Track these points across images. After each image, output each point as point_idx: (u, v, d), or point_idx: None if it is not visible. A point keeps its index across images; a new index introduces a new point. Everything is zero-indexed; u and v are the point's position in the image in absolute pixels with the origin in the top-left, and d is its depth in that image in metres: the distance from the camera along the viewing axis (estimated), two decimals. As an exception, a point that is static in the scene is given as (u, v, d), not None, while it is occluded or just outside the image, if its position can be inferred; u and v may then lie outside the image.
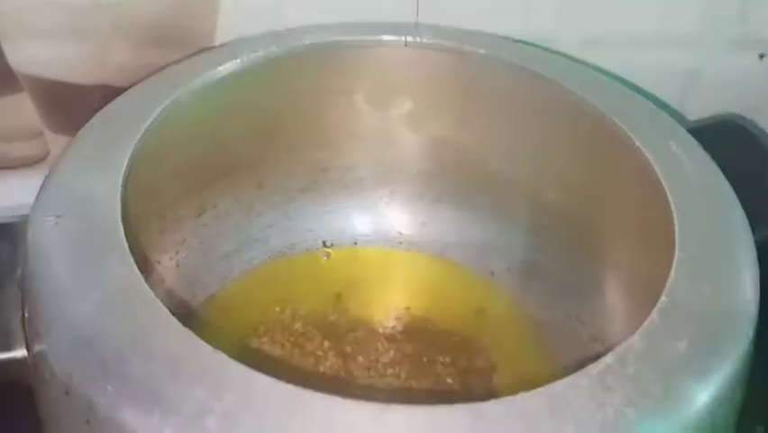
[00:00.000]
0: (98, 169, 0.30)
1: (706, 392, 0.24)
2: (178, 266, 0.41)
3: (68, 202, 0.28)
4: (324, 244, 0.46)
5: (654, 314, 0.25)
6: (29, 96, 0.45)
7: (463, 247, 0.45)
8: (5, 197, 0.46)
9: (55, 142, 0.47)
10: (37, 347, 0.25)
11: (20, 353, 0.27)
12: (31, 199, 0.46)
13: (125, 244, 0.26)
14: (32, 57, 0.43)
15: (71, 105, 0.45)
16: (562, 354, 0.41)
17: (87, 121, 0.37)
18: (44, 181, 0.30)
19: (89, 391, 0.23)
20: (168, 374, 0.22)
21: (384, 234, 0.46)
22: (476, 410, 0.22)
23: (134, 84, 0.42)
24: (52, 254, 0.26)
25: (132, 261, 0.26)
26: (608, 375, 0.23)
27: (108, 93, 0.44)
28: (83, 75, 0.44)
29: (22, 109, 0.45)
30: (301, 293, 0.43)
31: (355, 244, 0.46)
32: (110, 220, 0.27)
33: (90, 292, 0.25)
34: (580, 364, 0.39)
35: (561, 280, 0.42)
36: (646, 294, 0.36)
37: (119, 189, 0.28)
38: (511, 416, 0.22)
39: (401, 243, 0.46)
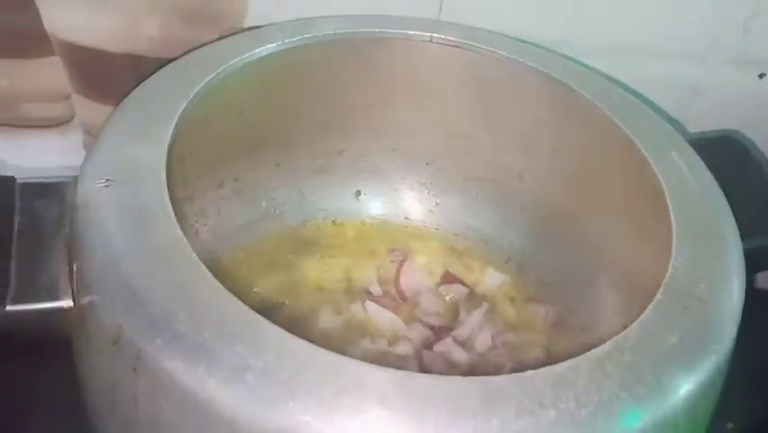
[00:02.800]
0: (144, 138, 0.32)
1: (692, 382, 0.26)
2: (196, 234, 0.43)
3: (118, 167, 0.30)
4: (334, 223, 0.48)
5: (651, 308, 0.28)
6: (61, 59, 0.46)
7: (466, 236, 0.48)
8: (32, 154, 0.48)
9: (81, 105, 0.48)
10: (86, 299, 0.27)
11: (66, 304, 0.29)
12: (55, 159, 0.48)
13: (171, 209, 0.28)
14: (66, 23, 0.45)
15: (100, 70, 0.47)
16: (553, 341, 0.43)
17: (114, 86, 0.39)
18: (92, 147, 0.32)
19: (139, 341, 0.25)
20: (212, 332, 0.24)
21: (391, 218, 0.48)
22: (488, 383, 0.24)
23: (162, 55, 0.44)
24: (103, 215, 0.28)
25: (177, 225, 0.28)
26: (606, 361, 0.26)
27: (136, 62, 0.46)
28: (114, 44, 0.46)
29: (52, 72, 0.47)
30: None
31: (363, 224, 0.48)
32: (157, 186, 0.29)
33: (140, 252, 0.27)
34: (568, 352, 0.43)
35: (555, 272, 0.45)
36: (637, 291, 0.39)
37: (164, 158, 0.30)
38: (519, 390, 0.24)
39: (407, 227, 0.48)
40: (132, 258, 0.27)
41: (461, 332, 0.43)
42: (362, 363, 0.24)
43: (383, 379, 0.24)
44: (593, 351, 0.26)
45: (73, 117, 0.49)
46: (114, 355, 0.26)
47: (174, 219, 0.28)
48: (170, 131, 0.32)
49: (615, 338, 0.26)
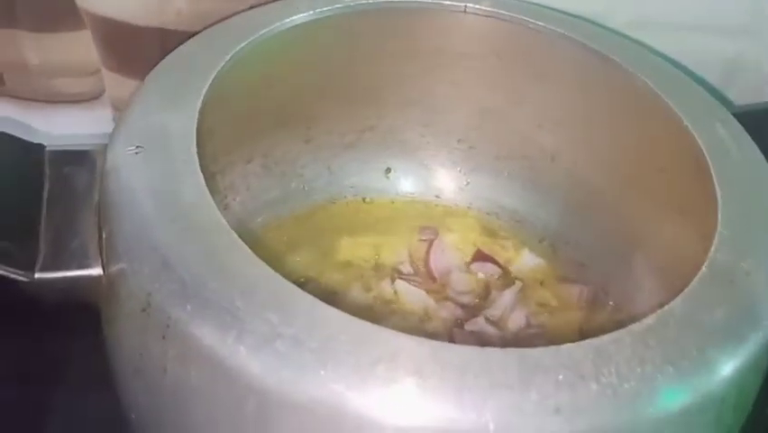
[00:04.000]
0: (174, 107, 0.31)
1: (738, 358, 0.25)
2: (225, 208, 0.43)
3: (148, 135, 0.29)
4: (364, 201, 0.47)
5: (695, 282, 0.27)
6: (91, 33, 0.46)
7: (498, 216, 0.47)
8: (63, 129, 0.48)
9: (110, 80, 0.48)
10: (116, 267, 0.27)
11: (95, 271, 0.29)
12: (85, 135, 0.48)
13: (202, 178, 0.28)
14: (97, -4, 0.45)
15: (129, 45, 0.47)
16: (588, 322, 0.42)
17: (143, 61, 0.38)
18: (122, 114, 0.31)
19: (168, 308, 0.24)
20: (243, 299, 0.24)
21: (422, 196, 0.48)
22: (526, 355, 0.24)
23: (191, 28, 0.44)
24: (134, 182, 0.28)
25: (208, 193, 0.27)
26: (649, 335, 0.25)
27: (165, 36, 0.45)
28: (143, 17, 0.45)
29: (82, 46, 0.47)
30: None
31: (393, 202, 0.48)
32: (187, 154, 0.29)
33: (170, 219, 0.26)
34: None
35: (591, 252, 0.44)
36: (675, 272, 0.38)
37: (194, 126, 0.30)
38: (558, 363, 0.23)
39: (437, 206, 0.48)
40: (161, 224, 0.26)
41: (493, 311, 0.42)
42: (396, 333, 0.24)
43: (418, 349, 0.23)
44: (636, 324, 0.25)
45: (103, 92, 0.49)
46: (143, 323, 0.25)
47: (205, 187, 0.27)
48: (200, 99, 0.31)
49: (658, 312, 0.25)
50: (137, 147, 0.29)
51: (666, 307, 0.26)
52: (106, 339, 0.29)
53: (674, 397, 0.24)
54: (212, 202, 0.27)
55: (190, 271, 0.25)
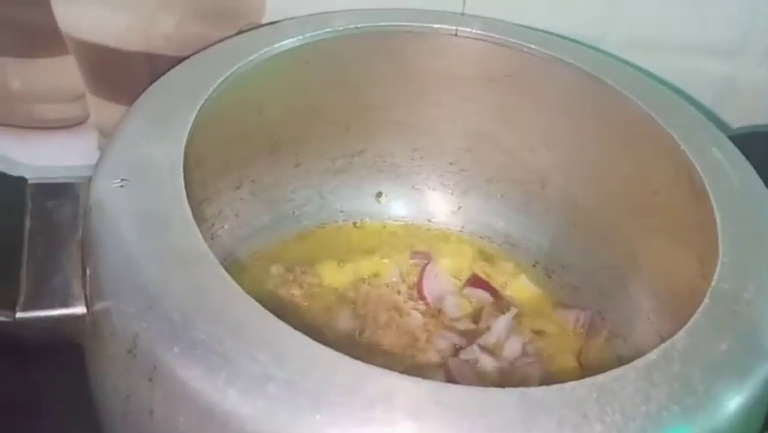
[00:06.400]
0: (160, 136, 0.30)
1: (745, 391, 0.25)
2: (213, 237, 0.42)
3: (133, 167, 0.29)
4: (355, 225, 0.47)
5: (698, 314, 0.26)
6: (75, 58, 0.45)
7: (491, 239, 0.46)
8: (46, 156, 0.47)
9: (95, 105, 0.47)
10: (100, 305, 0.26)
11: (78, 310, 0.28)
12: (69, 161, 0.47)
13: (189, 211, 0.27)
14: (81, 21, 0.44)
15: (116, 69, 0.46)
16: (585, 348, 0.42)
17: (130, 85, 0.37)
18: (107, 145, 0.30)
19: (155, 349, 0.23)
20: (232, 339, 0.23)
21: (413, 220, 0.47)
22: (527, 395, 0.23)
23: (179, 53, 0.43)
24: (118, 216, 0.27)
25: (196, 227, 0.26)
26: (653, 371, 0.24)
27: (153, 61, 0.45)
28: (129, 42, 0.45)
29: (66, 71, 0.46)
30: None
31: (384, 227, 0.47)
32: (174, 187, 0.28)
33: (157, 255, 0.25)
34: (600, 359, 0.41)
35: (586, 276, 0.43)
36: (671, 295, 0.37)
37: (182, 157, 0.29)
38: (561, 402, 0.23)
39: (429, 230, 0.47)
40: (148, 261, 0.25)
41: (488, 339, 0.41)
42: (392, 373, 0.23)
43: (415, 390, 0.22)
44: (639, 360, 0.24)
45: (88, 118, 0.48)
46: (129, 364, 0.24)
47: (192, 221, 0.27)
48: (187, 129, 0.31)
49: (662, 346, 0.25)
50: (122, 180, 0.28)
51: (669, 340, 0.25)
52: (91, 379, 0.28)
53: (681, 435, 0.23)
54: (200, 237, 0.26)
55: (178, 309, 0.24)
